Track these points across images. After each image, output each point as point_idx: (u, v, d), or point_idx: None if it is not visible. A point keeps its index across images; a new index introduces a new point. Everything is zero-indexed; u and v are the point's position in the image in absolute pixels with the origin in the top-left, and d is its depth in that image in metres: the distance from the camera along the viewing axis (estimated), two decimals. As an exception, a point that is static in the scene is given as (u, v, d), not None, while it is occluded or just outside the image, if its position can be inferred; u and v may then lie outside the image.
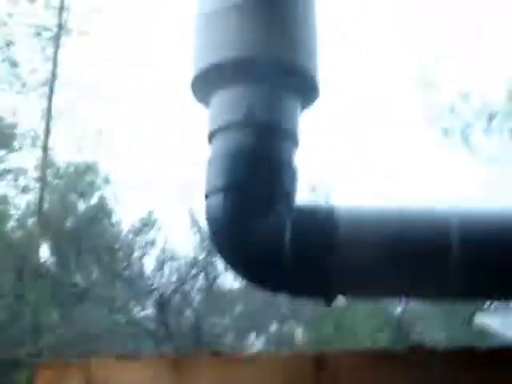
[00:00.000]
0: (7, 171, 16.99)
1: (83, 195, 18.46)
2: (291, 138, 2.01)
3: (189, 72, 2.16)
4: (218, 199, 1.92)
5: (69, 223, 16.55)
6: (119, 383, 2.48)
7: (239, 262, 1.93)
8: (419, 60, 20.41)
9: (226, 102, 2.04)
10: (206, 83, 2.09)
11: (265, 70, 2.00)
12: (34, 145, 17.85)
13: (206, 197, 1.95)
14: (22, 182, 17.03)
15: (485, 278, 1.86)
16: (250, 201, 1.90)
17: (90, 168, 19.20)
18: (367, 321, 13.56)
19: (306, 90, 2.09)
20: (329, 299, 1.91)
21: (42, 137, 17.49)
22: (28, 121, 18.19)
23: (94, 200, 18.85)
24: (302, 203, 2.02)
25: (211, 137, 2.03)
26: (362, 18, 23.05)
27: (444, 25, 23.41)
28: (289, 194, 1.94)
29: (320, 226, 1.84)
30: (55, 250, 16.00)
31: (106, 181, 19.50)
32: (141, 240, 16.16)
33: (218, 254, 2.00)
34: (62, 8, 18.22)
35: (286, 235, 1.81)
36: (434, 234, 1.86)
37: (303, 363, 2.17)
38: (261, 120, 1.98)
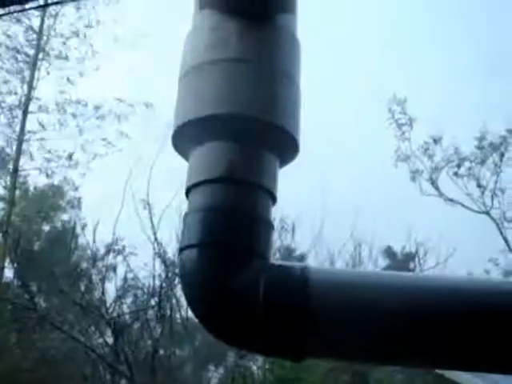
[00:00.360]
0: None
1: (48, 218, 18.38)
2: (269, 194, 2.05)
3: (171, 126, 2.20)
4: (192, 254, 1.95)
5: (33, 246, 16.42)
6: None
7: (211, 318, 1.96)
8: (394, 98, 20.73)
9: (205, 158, 2.06)
10: (185, 138, 2.12)
11: (246, 128, 2.05)
12: (4, 166, 17.80)
13: (180, 251, 1.99)
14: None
15: (452, 348, 1.91)
16: (225, 257, 1.93)
17: (56, 191, 19.14)
18: (328, 362, 13.56)
19: (285, 148, 2.13)
20: (298, 358, 1.95)
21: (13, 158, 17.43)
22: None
23: (58, 223, 18.76)
24: (276, 261, 2.06)
25: (188, 191, 2.07)
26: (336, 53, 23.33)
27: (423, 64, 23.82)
28: (264, 252, 1.98)
29: (294, 286, 1.88)
30: (17, 273, 15.84)
31: (73, 205, 19.44)
32: (104, 266, 16.06)
33: (190, 309, 2.03)
34: (40, 32, 18.24)
35: (260, 293, 1.85)
36: (408, 300, 1.92)
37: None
38: (239, 176, 2.02)
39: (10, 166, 17.31)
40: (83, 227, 17.26)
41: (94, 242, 15.95)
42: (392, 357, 1.99)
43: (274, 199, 2.07)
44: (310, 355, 2.02)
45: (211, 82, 2.15)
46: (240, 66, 2.13)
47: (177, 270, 14.21)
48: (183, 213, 2.10)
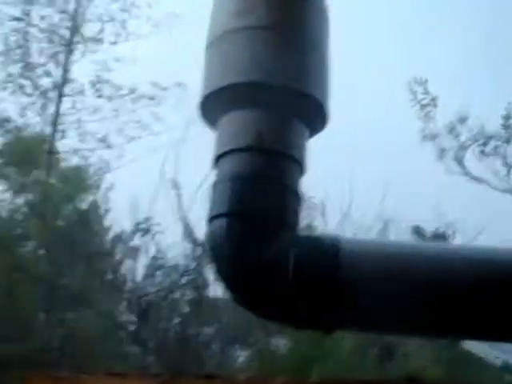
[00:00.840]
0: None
1: (82, 198, 18.49)
2: (298, 164, 2.02)
3: (197, 94, 2.18)
4: (220, 224, 1.92)
5: (63, 225, 16.53)
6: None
7: (239, 289, 1.94)
8: (415, 78, 20.50)
9: (233, 126, 2.04)
10: (213, 106, 2.09)
11: (274, 96, 2.02)
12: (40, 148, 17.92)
13: (209, 221, 1.96)
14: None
15: (485, 318, 1.88)
16: (254, 227, 1.91)
17: (90, 172, 19.26)
18: (355, 337, 13.54)
19: (315, 118, 2.09)
20: (328, 331, 1.93)
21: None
22: (36, 124, 18.33)
23: (91, 204, 18.86)
24: (305, 233, 2.04)
25: (217, 160, 2.04)
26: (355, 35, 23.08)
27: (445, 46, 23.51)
28: (293, 222, 1.95)
29: (325, 256, 1.86)
30: (48, 252, 15.96)
31: (107, 186, 19.55)
32: (133, 245, 16.09)
33: (219, 279, 2.01)
34: (76, 15, 18.32)
35: (290, 264, 1.82)
36: (439, 270, 1.88)
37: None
38: (268, 145, 1.98)
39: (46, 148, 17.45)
40: (115, 208, 17.37)
41: (125, 221, 16.02)
42: (422, 327, 1.96)
43: (302, 169, 2.02)
44: (341, 327, 1.99)
45: (237, 50, 2.11)
46: (266, 33, 2.08)
47: (205, 249, 14.25)
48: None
